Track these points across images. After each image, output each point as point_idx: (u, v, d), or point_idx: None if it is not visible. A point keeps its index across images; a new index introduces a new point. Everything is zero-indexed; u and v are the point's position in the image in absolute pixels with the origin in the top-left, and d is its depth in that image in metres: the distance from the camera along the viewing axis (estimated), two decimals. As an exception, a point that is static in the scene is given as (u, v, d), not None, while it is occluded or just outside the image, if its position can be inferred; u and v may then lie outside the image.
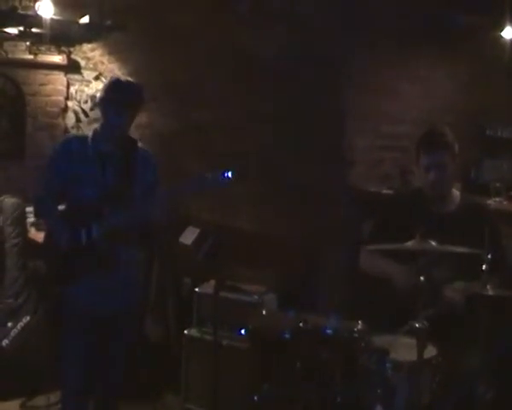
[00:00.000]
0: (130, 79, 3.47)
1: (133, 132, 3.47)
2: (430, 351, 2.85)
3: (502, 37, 5.24)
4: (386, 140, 5.20)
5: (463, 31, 5.19)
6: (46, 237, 3.42)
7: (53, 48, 5.27)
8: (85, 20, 4.97)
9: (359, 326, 3.02)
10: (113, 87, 3.29)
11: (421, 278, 2.79)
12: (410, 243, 2.87)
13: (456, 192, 3.41)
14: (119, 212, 3.24)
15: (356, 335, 2.97)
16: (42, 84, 5.38)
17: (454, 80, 5.47)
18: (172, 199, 3.42)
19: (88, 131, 5.15)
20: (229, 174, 3.22)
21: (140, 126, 5.20)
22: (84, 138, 3.39)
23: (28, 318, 4.44)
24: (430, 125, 3.59)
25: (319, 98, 5.10)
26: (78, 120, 5.45)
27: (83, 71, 5.46)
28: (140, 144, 3.45)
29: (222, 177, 3.22)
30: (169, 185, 3.35)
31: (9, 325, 4.41)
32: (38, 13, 4.79)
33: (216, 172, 3.23)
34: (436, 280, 3.03)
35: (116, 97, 3.23)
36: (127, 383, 3.48)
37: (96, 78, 5.48)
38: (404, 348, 2.91)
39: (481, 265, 2.83)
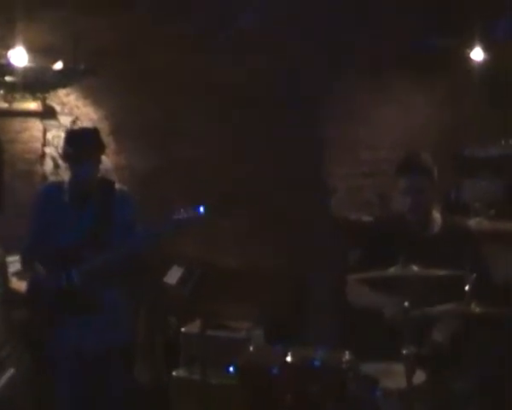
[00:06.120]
0: (84, 126, 3.54)
1: (111, 175, 3.47)
2: (419, 376, 2.84)
3: (472, 58, 5.30)
4: (364, 166, 5.23)
5: (435, 54, 5.26)
6: (30, 284, 3.42)
7: (27, 95, 5.25)
8: (59, 65, 4.97)
9: (347, 356, 2.99)
10: (67, 140, 3.37)
11: (406, 303, 2.78)
12: (392, 270, 2.86)
13: (437, 215, 3.41)
14: (98, 254, 3.26)
15: (344, 365, 2.94)
16: (18, 132, 5.35)
17: (429, 103, 5.53)
18: (150, 240, 3.41)
19: (67, 176, 5.18)
20: (202, 209, 3.26)
21: (118, 168, 5.21)
22: (60, 184, 3.47)
23: (12, 370, 4.36)
24: (408, 149, 3.61)
25: (298, 128, 5.12)
26: (56, 166, 5.42)
27: (59, 116, 5.43)
28: (117, 185, 3.48)
29: (195, 213, 3.25)
30: (145, 227, 3.35)
31: (-7, 378, 4.34)
32: (11, 61, 4.79)
33: (188, 208, 3.27)
34: (423, 307, 3.00)
35: (71, 150, 3.31)
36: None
37: (73, 122, 5.46)
38: (393, 376, 2.90)
39: (465, 286, 2.83)
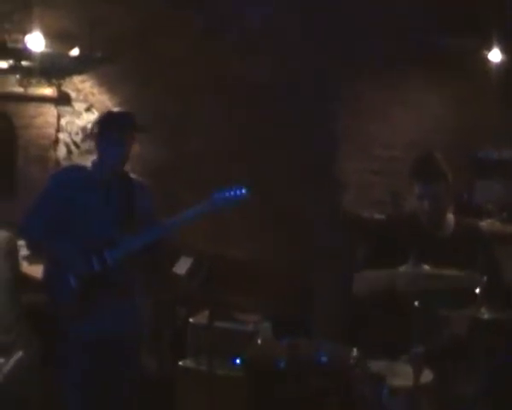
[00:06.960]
0: (121, 108, 3.44)
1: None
2: (427, 376, 2.83)
3: (489, 59, 5.27)
4: (377, 164, 5.22)
5: (452, 54, 5.24)
6: (47, 272, 3.30)
7: (43, 80, 5.26)
8: (75, 52, 4.98)
9: (354, 353, 2.99)
10: (109, 121, 3.27)
11: (416, 303, 2.78)
12: (403, 268, 2.85)
13: (450, 216, 3.38)
14: (131, 237, 3.19)
15: (351, 362, 2.94)
16: (33, 117, 5.37)
17: (444, 103, 5.51)
18: (189, 221, 3.29)
19: (79, 162, 5.18)
20: (243, 190, 3.19)
21: (130, 158, 5.21)
22: (83, 168, 3.38)
23: (21, 353, 4.37)
24: (423, 151, 3.54)
25: (310, 124, 5.12)
26: (69, 151, 5.43)
27: (73, 103, 5.44)
28: (132, 175, 3.44)
29: (236, 194, 3.19)
30: (181, 210, 3.28)
31: (1, 361, 4.34)
32: (28, 46, 4.80)
33: (228, 189, 3.21)
34: (433, 305, 2.99)
35: (113, 131, 3.21)
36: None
37: (87, 109, 5.47)
38: (400, 374, 2.89)
39: (476, 288, 2.82)
